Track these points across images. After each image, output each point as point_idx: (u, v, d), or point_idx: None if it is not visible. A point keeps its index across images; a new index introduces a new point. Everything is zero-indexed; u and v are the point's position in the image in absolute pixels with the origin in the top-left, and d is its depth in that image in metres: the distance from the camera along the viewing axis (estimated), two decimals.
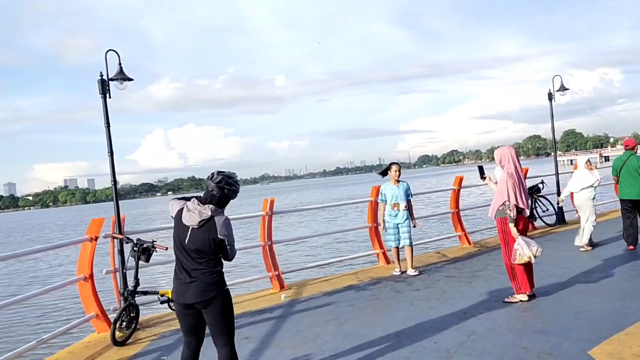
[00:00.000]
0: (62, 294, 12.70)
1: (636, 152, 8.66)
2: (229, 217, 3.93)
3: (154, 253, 6.00)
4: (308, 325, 5.89)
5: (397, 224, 8.09)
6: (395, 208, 8.08)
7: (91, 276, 6.34)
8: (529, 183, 11.84)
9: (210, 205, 3.74)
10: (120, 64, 6.49)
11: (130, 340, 5.85)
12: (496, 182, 6.28)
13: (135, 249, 5.91)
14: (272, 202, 8.03)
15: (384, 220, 8.23)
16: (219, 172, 3.81)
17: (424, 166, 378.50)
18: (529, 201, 5.92)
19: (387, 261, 9.10)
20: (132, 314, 5.94)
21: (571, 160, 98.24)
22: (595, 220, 8.85)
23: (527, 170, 11.62)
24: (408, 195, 8.21)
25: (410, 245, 8.13)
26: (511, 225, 5.94)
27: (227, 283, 3.88)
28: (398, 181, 8.17)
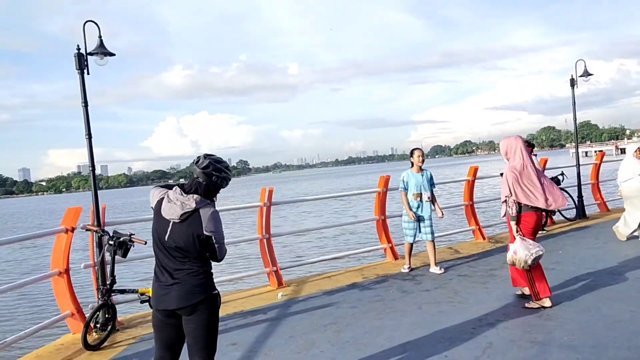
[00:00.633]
0: (44, 289, 11.99)
1: None
2: (219, 208, 3.30)
3: (132, 248, 5.38)
4: (303, 331, 5.27)
5: (419, 217, 7.42)
6: (418, 199, 7.38)
7: (67, 271, 5.76)
8: (547, 175, 11.16)
9: (195, 196, 3.12)
10: (100, 36, 5.85)
11: (105, 344, 5.26)
12: None
13: (111, 242, 5.27)
14: (270, 192, 7.39)
15: (409, 208, 7.36)
16: (206, 156, 3.19)
17: (436, 156, 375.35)
18: (549, 195, 5.25)
19: (395, 257, 8.45)
20: (107, 315, 5.35)
21: (586, 152, 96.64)
22: None
23: (546, 161, 10.92)
24: (432, 184, 7.53)
25: (433, 240, 7.45)
26: (512, 224, 5.35)
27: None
28: (421, 169, 7.49)
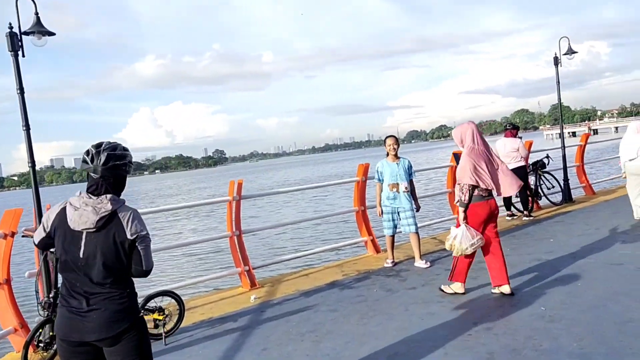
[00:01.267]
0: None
1: None
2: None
3: None
4: (278, 341, 4.67)
5: (397, 208, 6.87)
6: (395, 189, 6.84)
7: (7, 281, 5.08)
8: (532, 158, 10.70)
9: (108, 195, 2.57)
10: (37, 13, 5.11)
11: None
12: None
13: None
14: (239, 185, 6.74)
15: (380, 204, 7.00)
16: (97, 149, 2.59)
17: (412, 141, 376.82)
18: (502, 181, 5.12)
19: (377, 250, 7.90)
20: (52, 332, 4.67)
21: (560, 134, 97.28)
22: None
23: (531, 144, 10.45)
24: (410, 174, 6.97)
25: (416, 232, 6.91)
26: (460, 210, 5.17)
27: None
28: (397, 157, 6.92)
